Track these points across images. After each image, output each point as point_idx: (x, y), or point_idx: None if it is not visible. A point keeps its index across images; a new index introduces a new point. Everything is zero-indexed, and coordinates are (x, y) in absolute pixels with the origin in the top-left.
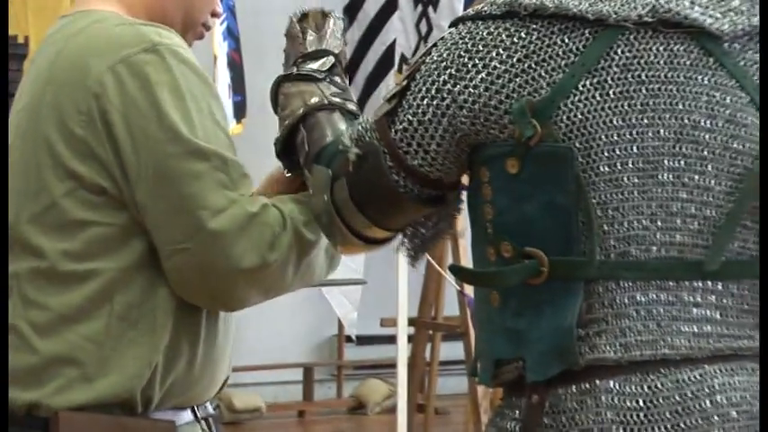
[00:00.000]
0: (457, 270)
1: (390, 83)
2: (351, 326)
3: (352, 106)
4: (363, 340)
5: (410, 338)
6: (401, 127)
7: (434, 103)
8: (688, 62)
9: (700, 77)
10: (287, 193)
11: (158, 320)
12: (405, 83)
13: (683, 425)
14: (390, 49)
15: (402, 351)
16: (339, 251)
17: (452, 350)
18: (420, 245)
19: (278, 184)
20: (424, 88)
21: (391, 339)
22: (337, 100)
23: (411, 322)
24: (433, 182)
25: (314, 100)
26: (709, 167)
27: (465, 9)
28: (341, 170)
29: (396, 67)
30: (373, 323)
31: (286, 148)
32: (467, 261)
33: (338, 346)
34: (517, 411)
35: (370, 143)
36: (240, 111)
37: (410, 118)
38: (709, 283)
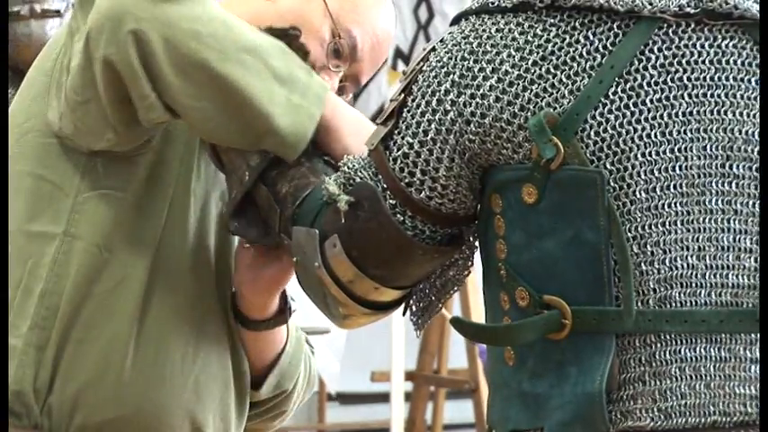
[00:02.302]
0: (460, 324)
1: (383, 82)
2: (332, 381)
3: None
4: (349, 398)
5: (407, 396)
6: (400, 153)
7: (436, 117)
8: (739, 61)
9: (753, 80)
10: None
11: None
12: (401, 97)
13: None
14: None
15: (398, 412)
16: (343, 325)
17: (460, 411)
18: (433, 302)
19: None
20: (423, 101)
21: (384, 398)
22: None
23: (408, 376)
24: (446, 217)
25: (257, 158)
26: None
27: None
28: (331, 226)
29: (389, 62)
30: (361, 377)
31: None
32: (476, 302)
33: (319, 407)
34: None
35: (363, 184)
36: None
37: (410, 140)
38: None
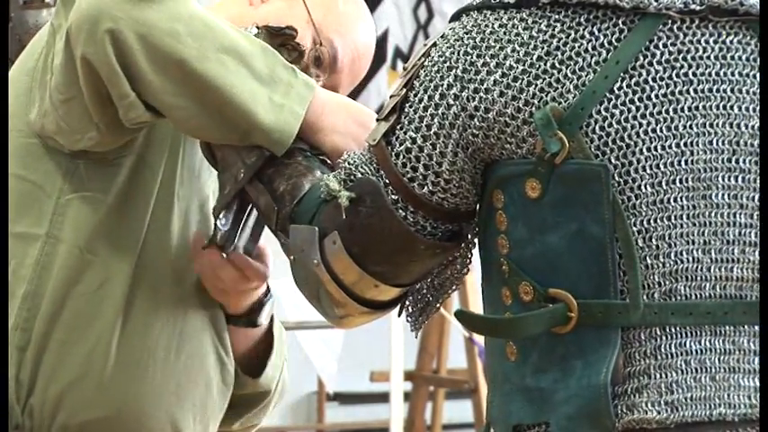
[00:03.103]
0: (465, 317)
1: (382, 83)
2: (330, 380)
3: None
4: (348, 398)
5: (407, 396)
6: (402, 148)
7: (439, 112)
8: (744, 57)
9: (758, 75)
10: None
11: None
12: (402, 92)
13: None
14: (382, 40)
15: (397, 412)
16: (340, 325)
17: (459, 410)
18: (431, 302)
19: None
20: (425, 96)
21: (383, 397)
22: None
23: (408, 376)
24: (447, 213)
25: (253, 156)
26: None
27: None
28: (330, 223)
29: (389, 62)
30: (361, 377)
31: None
32: (475, 300)
33: (318, 406)
34: None
35: (364, 179)
36: None
37: (412, 135)
38: None
